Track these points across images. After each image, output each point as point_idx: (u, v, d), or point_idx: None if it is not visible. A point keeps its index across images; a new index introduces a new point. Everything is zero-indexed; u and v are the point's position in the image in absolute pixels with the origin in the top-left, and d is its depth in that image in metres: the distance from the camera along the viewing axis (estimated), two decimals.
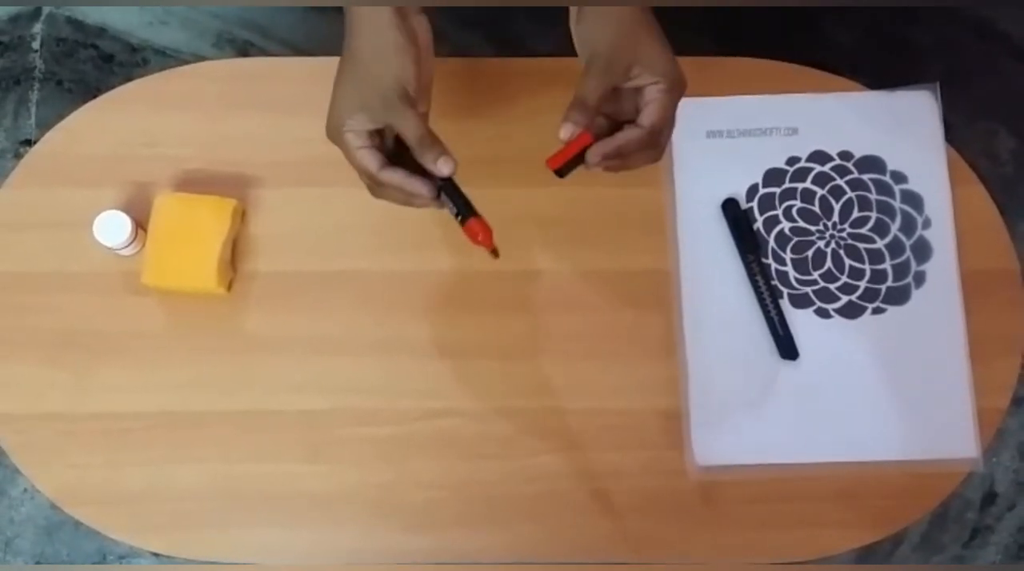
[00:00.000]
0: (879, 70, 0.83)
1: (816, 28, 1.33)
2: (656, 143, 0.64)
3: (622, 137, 0.63)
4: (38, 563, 1.21)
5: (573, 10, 0.66)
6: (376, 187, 0.64)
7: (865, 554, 1.22)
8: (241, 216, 0.76)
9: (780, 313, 0.75)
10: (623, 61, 0.64)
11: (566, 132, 0.62)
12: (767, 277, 0.75)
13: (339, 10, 0.67)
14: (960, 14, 1.34)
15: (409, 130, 0.63)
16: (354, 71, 0.64)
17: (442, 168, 0.63)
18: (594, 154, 0.63)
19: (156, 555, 1.21)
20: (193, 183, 0.76)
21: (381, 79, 0.64)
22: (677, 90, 0.64)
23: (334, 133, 0.65)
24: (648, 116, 0.63)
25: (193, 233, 0.73)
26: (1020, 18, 1.34)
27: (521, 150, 0.78)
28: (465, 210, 0.63)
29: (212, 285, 0.72)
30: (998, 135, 1.32)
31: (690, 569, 0.76)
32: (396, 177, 0.63)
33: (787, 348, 0.74)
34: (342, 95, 0.65)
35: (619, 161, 0.63)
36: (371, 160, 0.64)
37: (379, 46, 0.64)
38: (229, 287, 0.75)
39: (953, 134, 0.79)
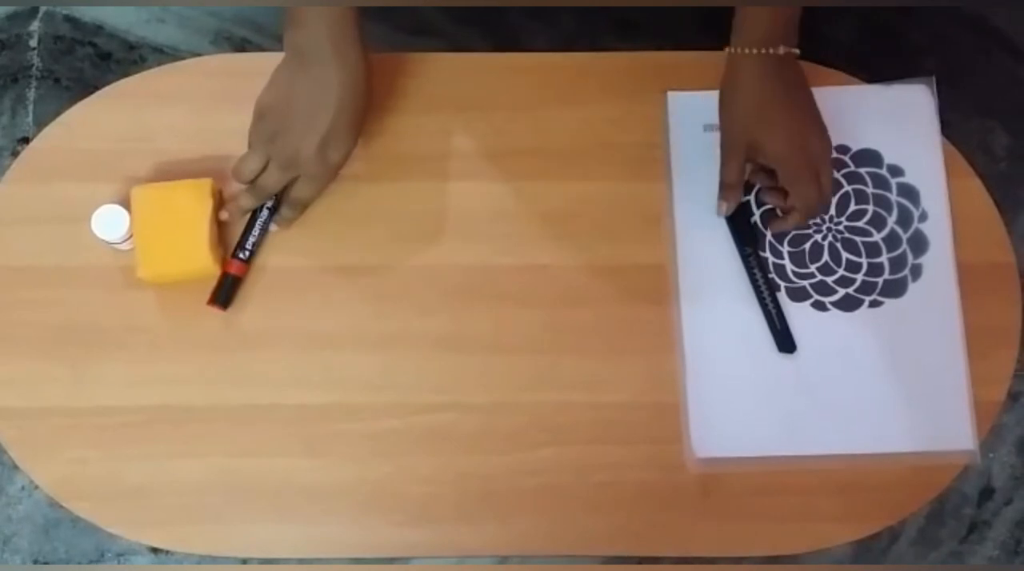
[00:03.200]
0: (874, 66, 0.83)
1: (811, 24, 1.32)
2: (818, 203, 0.72)
3: (786, 226, 0.75)
4: (36, 562, 1.20)
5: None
6: (258, 193, 0.73)
7: (862, 549, 1.22)
8: (219, 195, 0.76)
9: (778, 306, 0.75)
10: (741, 142, 0.71)
11: (722, 209, 0.75)
12: (764, 270, 0.76)
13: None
14: (955, 11, 1.34)
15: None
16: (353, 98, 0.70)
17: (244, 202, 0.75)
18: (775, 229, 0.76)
19: (154, 552, 1.21)
20: (192, 178, 0.76)
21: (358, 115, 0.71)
22: (800, 173, 0.71)
23: (344, 148, 0.71)
24: (797, 203, 0.72)
25: (177, 219, 0.73)
26: (1014, 15, 1.35)
27: (519, 145, 0.79)
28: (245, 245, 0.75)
29: (208, 264, 0.73)
30: (993, 132, 1.32)
31: (690, 568, 0.76)
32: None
33: (785, 341, 0.74)
34: (351, 123, 0.70)
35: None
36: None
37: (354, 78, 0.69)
38: (222, 264, 0.75)
39: (949, 130, 0.79)
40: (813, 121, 0.71)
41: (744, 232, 0.76)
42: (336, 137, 0.69)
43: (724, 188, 0.74)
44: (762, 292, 0.75)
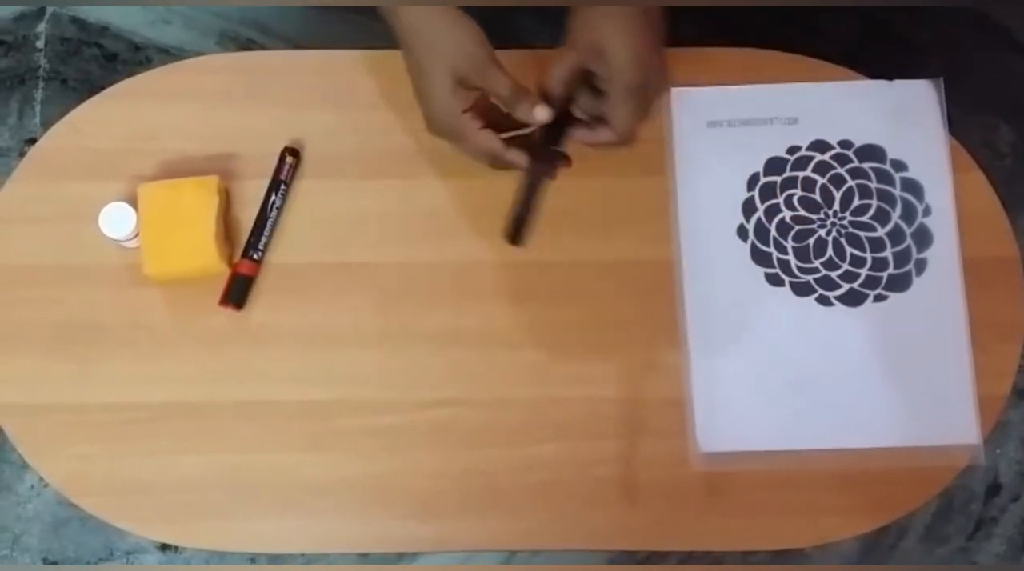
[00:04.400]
0: (878, 64, 0.83)
1: (814, 22, 1.33)
2: (632, 135, 0.68)
3: (594, 139, 0.69)
4: (45, 560, 1.21)
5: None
6: (497, 161, 0.68)
7: (870, 545, 1.22)
8: (225, 193, 0.76)
9: (533, 202, 0.68)
10: (583, 41, 0.66)
11: (543, 113, 0.66)
12: (551, 161, 0.68)
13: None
14: (958, 9, 1.34)
15: (503, 85, 0.66)
16: (433, 50, 0.66)
17: (539, 114, 0.66)
18: (579, 138, 0.70)
19: (162, 551, 1.21)
20: (198, 176, 0.77)
21: (463, 43, 0.66)
22: (635, 94, 0.66)
23: (447, 119, 0.67)
24: (615, 122, 0.67)
25: (184, 216, 0.73)
26: (1019, 12, 1.35)
27: None
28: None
29: (215, 262, 0.73)
30: (998, 129, 1.32)
31: (696, 567, 0.76)
32: (518, 158, 0.68)
33: (516, 233, 0.68)
34: (431, 82, 0.66)
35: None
36: (494, 139, 0.67)
37: (444, 17, 0.66)
38: (230, 262, 0.75)
39: (953, 127, 0.79)
40: (662, 57, 0.67)
41: (553, 133, 0.70)
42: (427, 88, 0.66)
43: (544, 97, 0.67)
44: (534, 182, 0.68)
